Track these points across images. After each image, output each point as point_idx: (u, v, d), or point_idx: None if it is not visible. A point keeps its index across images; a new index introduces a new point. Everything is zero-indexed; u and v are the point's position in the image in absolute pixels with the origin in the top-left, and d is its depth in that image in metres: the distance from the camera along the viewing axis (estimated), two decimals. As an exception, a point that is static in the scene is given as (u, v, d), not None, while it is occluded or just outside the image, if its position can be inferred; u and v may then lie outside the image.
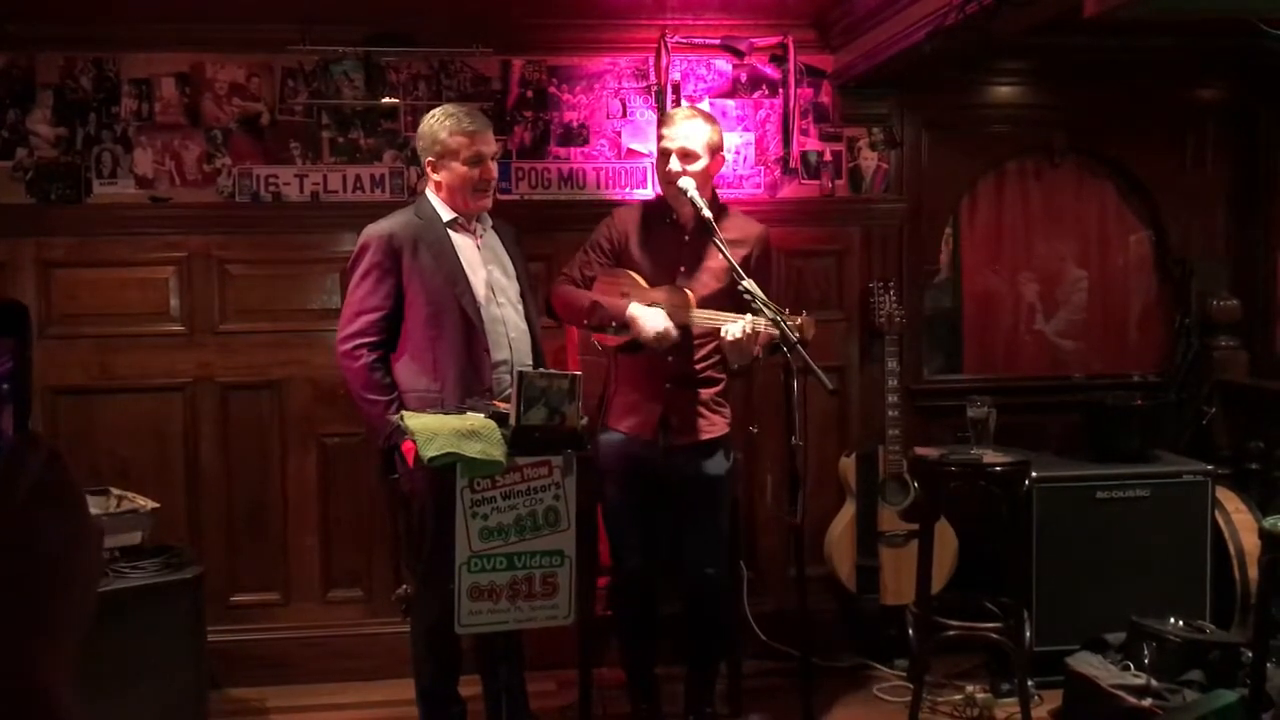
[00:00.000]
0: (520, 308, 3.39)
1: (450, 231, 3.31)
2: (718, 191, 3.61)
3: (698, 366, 3.42)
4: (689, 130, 3.35)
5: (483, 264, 3.33)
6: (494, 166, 3.34)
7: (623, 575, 3.55)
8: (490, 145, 3.31)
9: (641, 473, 3.42)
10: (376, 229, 3.30)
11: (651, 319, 3.25)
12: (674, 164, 3.34)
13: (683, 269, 3.40)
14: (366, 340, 3.23)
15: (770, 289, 3.31)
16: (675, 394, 3.40)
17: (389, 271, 3.24)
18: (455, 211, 3.32)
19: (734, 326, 3.13)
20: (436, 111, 3.34)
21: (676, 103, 4.19)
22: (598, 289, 3.41)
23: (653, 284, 3.36)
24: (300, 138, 4.15)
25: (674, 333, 3.24)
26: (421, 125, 3.34)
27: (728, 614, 3.73)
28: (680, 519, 3.48)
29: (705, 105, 4.27)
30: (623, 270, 3.42)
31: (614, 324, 3.32)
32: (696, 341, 3.38)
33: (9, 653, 0.64)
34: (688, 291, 3.31)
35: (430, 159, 3.30)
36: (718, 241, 3.20)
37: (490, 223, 3.42)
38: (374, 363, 3.22)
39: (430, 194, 3.36)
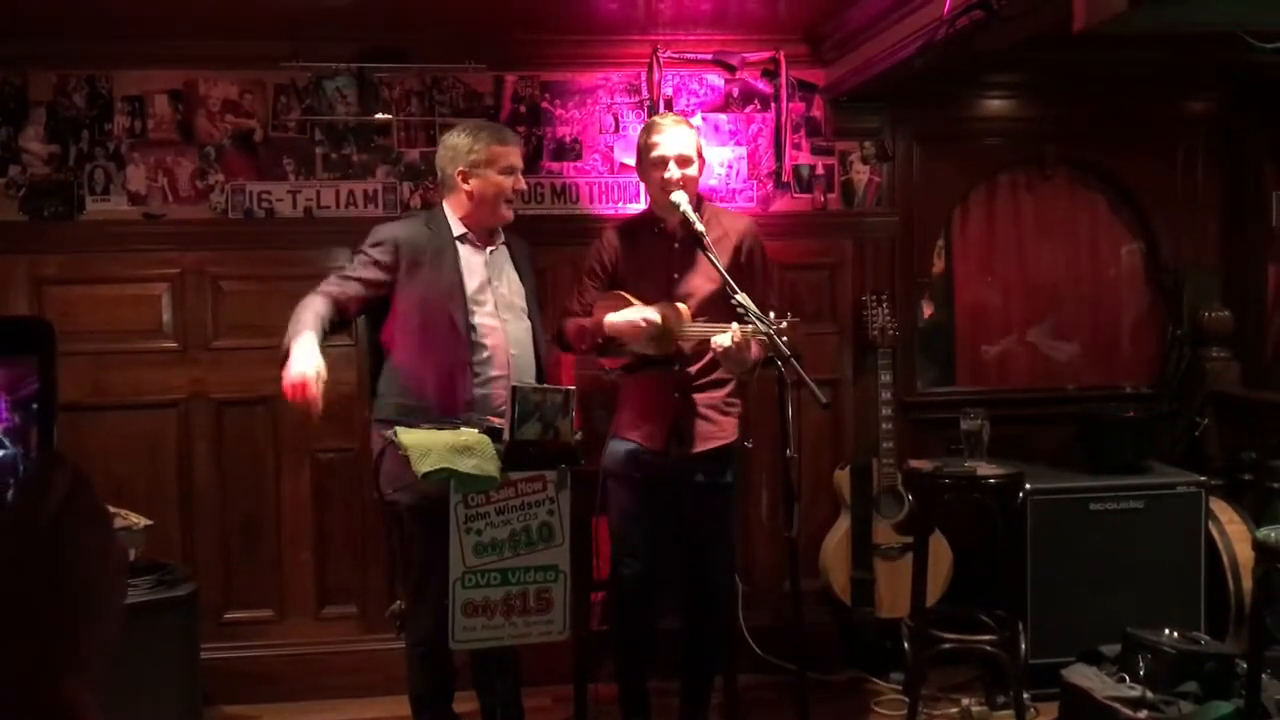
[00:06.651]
0: (527, 324, 3.40)
1: (459, 245, 3.32)
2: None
3: (703, 372, 3.40)
4: (682, 135, 3.33)
5: (488, 279, 3.34)
6: (521, 180, 3.40)
7: (622, 582, 3.51)
8: (520, 160, 3.38)
9: (649, 479, 3.40)
10: (390, 231, 3.35)
11: (628, 316, 3.24)
12: (672, 171, 3.28)
13: (675, 275, 3.39)
14: (332, 286, 3.29)
15: (770, 283, 3.38)
16: (684, 403, 3.38)
17: (386, 268, 3.28)
18: (469, 226, 3.34)
19: (723, 337, 3.09)
20: (466, 125, 3.41)
21: (669, 117, 4.19)
22: (595, 314, 3.41)
23: (648, 299, 3.33)
24: (293, 154, 4.16)
25: (656, 317, 3.21)
26: (450, 138, 3.36)
27: (727, 625, 3.73)
28: (688, 527, 3.46)
29: (698, 120, 4.29)
30: (615, 293, 3.39)
31: (600, 339, 3.32)
32: (697, 349, 3.37)
33: (39, 671, 0.63)
34: (680, 306, 3.29)
35: (463, 169, 3.31)
36: (711, 257, 3.18)
37: (502, 238, 3.44)
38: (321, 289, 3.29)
39: (446, 207, 3.37)
